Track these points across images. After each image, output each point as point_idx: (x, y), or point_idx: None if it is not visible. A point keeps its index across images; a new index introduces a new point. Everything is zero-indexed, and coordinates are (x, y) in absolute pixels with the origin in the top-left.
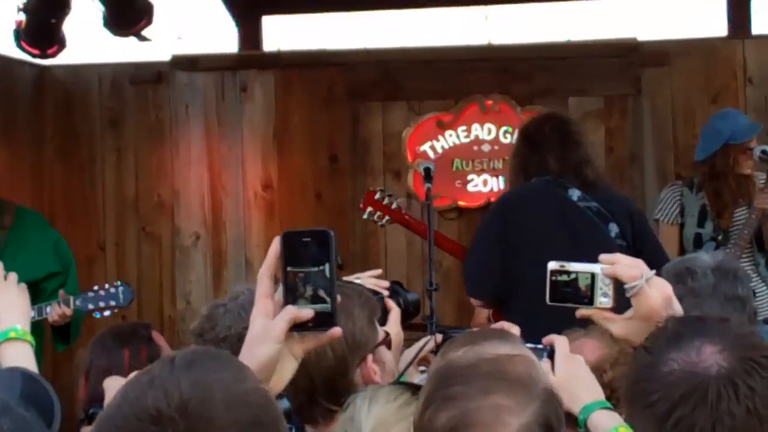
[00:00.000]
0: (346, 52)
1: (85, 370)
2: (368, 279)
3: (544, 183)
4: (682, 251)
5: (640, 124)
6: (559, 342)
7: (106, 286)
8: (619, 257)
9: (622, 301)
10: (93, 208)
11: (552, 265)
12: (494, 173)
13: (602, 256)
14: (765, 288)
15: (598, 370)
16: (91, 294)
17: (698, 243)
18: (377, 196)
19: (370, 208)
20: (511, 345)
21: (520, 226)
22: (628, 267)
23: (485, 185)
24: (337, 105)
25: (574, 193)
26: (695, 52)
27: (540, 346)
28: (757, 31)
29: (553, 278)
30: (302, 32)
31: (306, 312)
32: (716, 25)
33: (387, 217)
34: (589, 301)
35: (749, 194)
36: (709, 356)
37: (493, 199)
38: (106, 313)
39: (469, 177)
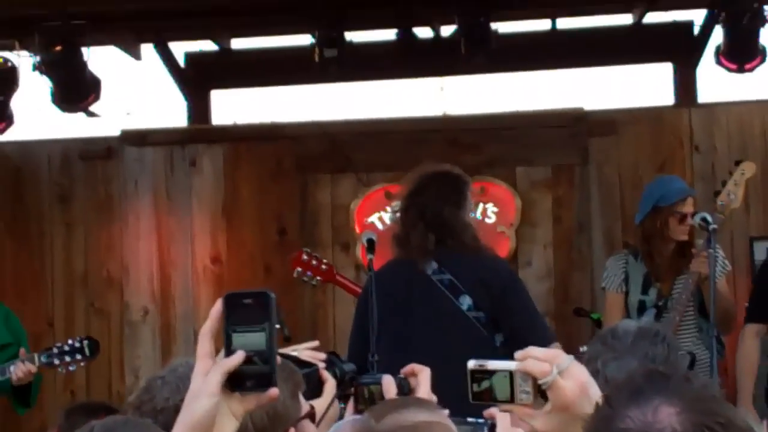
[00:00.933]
0: (295, 125)
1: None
2: (305, 351)
3: (405, 258)
4: (628, 318)
5: (588, 193)
6: (500, 417)
7: (69, 341)
8: (531, 352)
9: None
10: (42, 284)
11: (471, 364)
12: None
13: (516, 353)
14: (707, 353)
15: None
16: (55, 350)
17: (642, 310)
18: (304, 257)
19: (299, 269)
20: (429, 412)
21: (376, 304)
22: (538, 363)
23: None
24: (285, 178)
25: (431, 267)
26: (642, 120)
27: (480, 420)
28: (703, 100)
29: (474, 377)
30: (251, 106)
31: (236, 356)
32: (663, 94)
33: (318, 278)
34: (510, 398)
35: (686, 259)
36: (665, 417)
37: None
38: (71, 368)
39: None
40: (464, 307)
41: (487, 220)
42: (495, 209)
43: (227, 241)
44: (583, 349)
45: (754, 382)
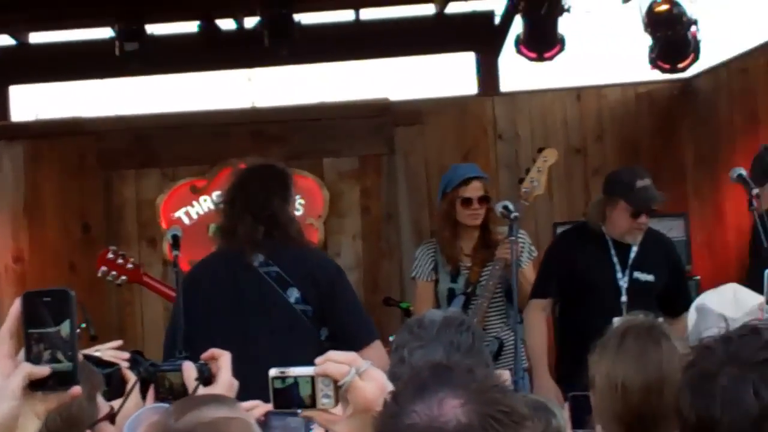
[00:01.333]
0: (97, 120)
1: None
2: (107, 351)
3: (230, 250)
4: (438, 307)
5: (395, 183)
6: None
7: None
8: (331, 355)
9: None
10: None
11: (272, 372)
12: None
13: (317, 359)
14: (513, 338)
15: None
16: None
17: (451, 298)
18: (110, 255)
19: (104, 268)
20: (228, 408)
21: (201, 296)
22: (336, 365)
23: None
24: (88, 173)
25: (257, 259)
26: (446, 110)
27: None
28: (505, 89)
29: (275, 385)
30: (52, 101)
31: (41, 369)
32: (466, 83)
33: (123, 277)
34: (312, 403)
35: (491, 250)
36: (450, 410)
37: None
38: None
39: None
40: (292, 300)
41: (295, 213)
42: (302, 201)
43: (29, 240)
44: (392, 338)
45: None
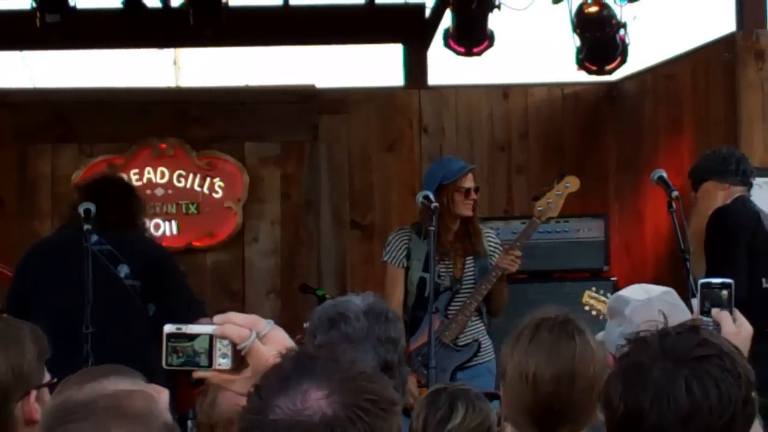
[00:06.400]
0: (14, 92)
1: None
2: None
3: (68, 230)
4: (407, 293)
5: (317, 171)
6: None
7: None
8: (232, 316)
9: None
10: None
11: (168, 328)
12: (167, 217)
13: (216, 317)
14: (489, 340)
15: None
16: None
17: (422, 286)
18: None
19: None
20: (130, 381)
21: (39, 274)
22: (237, 327)
23: (157, 229)
24: (3, 147)
25: (93, 238)
26: (372, 100)
27: None
28: (433, 82)
29: (171, 342)
30: None
31: None
32: (394, 75)
33: None
34: (209, 363)
35: (471, 240)
36: (314, 403)
37: (165, 243)
38: None
39: None
40: (122, 275)
41: (214, 195)
42: (222, 184)
43: None
44: (307, 324)
45: None
